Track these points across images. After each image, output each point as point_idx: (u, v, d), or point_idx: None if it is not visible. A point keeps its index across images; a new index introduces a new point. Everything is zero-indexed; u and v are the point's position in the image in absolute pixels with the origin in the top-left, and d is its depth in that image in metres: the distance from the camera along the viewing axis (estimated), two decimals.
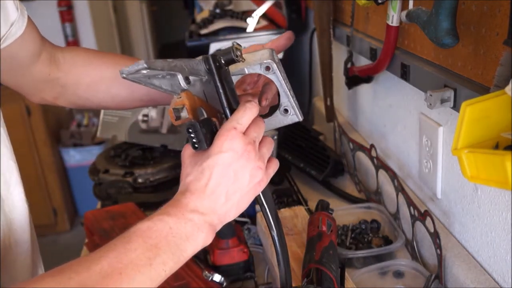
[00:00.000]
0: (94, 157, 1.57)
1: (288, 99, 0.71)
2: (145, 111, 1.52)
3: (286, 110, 0.72)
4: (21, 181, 0.73)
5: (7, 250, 0.68)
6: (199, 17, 2.12)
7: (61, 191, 3.34)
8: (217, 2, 2.04)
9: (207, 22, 1.95)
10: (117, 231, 1.12)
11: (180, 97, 0.62)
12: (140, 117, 1.54)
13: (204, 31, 1.91)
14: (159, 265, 0.55)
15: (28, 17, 0.78)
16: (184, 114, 0.62)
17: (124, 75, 0.59)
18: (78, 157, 3.39)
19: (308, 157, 1.45)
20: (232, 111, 0.65)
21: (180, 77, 0.62)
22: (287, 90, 0.70)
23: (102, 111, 1.60)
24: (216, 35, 1.88)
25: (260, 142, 0.65)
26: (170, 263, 0.56)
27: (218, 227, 0.62)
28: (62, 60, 0.88)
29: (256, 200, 0.67)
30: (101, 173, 1.44)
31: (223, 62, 0.64)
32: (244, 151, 0.61)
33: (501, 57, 0.64)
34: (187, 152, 0.64)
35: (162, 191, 1.42)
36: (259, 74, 0.77)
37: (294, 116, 0.72)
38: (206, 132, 0.62)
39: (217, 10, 2.00)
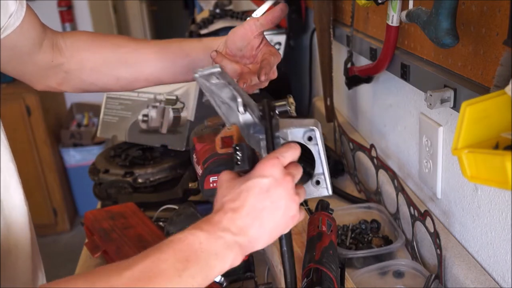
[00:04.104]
0: (94, 157, 1.56)
1: (323, 172, 0.73)
2: (145, 111, 1.52)
3: (318, 182, 0.73)
4: (20, 183, 0.73)
5: (7, 252, 0.68)
6: (199, 17, 2.12)
7: (61, 191, 3.34)
8: (217, 2, 2.04)
9: (207, 22, 1.95)
10: (117, 231, 1.12)
11: (230, 128, 0.67)
12: (140, 117, 1.53)
13: (204, 31, 1.91)
14: (188, 278, 0.55)
15: (28, 6, 0.78)
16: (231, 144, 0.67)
17: (197, 75, 0.60)
18: (78, 157, 3.40)
19: None
20: None
21: (240, 101, 0.64)
22: (325, 163, 0.72)
23: (102, 111, 1.60)
24: (216, 35, 1.88)
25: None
26: (199, 278, 0.56)
27: (247, 251, 0.61)
28: (64, 46, 0.88)
29: (280, 242, 0.67)
30: (101, 173, 1.44)
31: (277, 112, 0.68)
32: (283, 180, 0.61)
33: (501, 57, 0.64)
34: (226, 176, 0.65)
35: (162, 191, 1.42)
36: (258, 47, 0.82)
37: (324, 189, 0.74)
38: (250, 154, 0.64)
39: (217, 10, 2.00)
